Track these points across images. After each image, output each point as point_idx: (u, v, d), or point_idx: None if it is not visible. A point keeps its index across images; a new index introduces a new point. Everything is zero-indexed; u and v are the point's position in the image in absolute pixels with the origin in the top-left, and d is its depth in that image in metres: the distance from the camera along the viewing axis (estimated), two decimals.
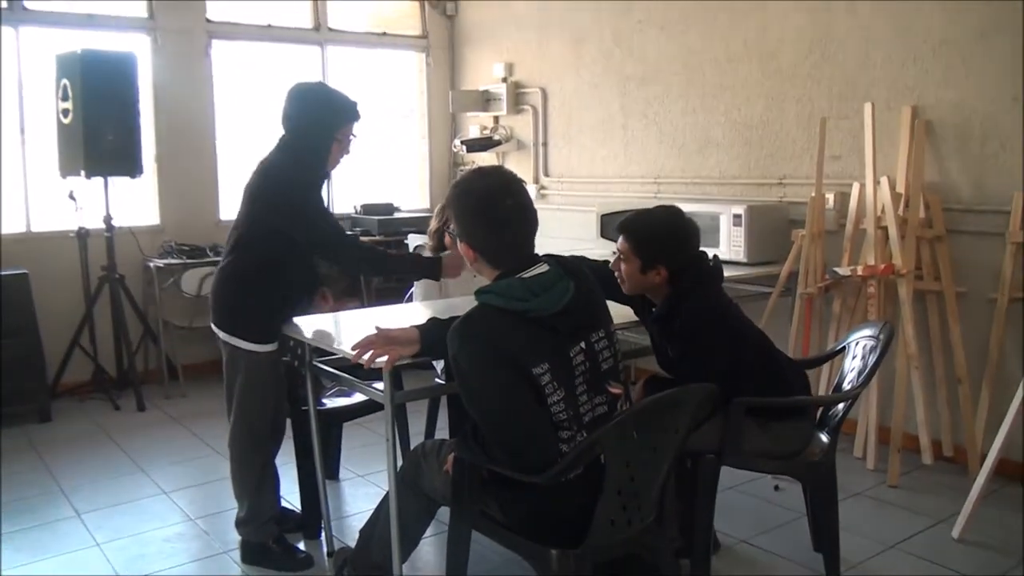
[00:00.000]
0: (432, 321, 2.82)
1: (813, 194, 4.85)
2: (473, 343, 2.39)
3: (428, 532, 3.13)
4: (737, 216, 5.05)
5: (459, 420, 4.16)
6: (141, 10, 6.61)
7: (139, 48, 6.39)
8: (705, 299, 3.17)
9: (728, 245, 5.04)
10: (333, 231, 3.50)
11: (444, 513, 2.90)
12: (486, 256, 2.52)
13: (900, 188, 4.61)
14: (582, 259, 2.90)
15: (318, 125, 3.47)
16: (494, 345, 2.38)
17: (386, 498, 3.01)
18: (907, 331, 4.45)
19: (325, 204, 3.61)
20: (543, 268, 2.49)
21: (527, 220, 2.52)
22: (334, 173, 3.80)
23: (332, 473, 4.57)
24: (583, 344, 2.50)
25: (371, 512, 3.17)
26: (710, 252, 3.34)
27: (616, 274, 3.28)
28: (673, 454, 2.52)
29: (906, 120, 4.62)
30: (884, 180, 4.64)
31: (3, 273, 5.79)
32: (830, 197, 4.98)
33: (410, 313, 4.12)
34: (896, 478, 4.42)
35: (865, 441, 4.72)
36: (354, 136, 3.55)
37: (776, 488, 4.33)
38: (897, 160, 4.66)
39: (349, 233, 3.84)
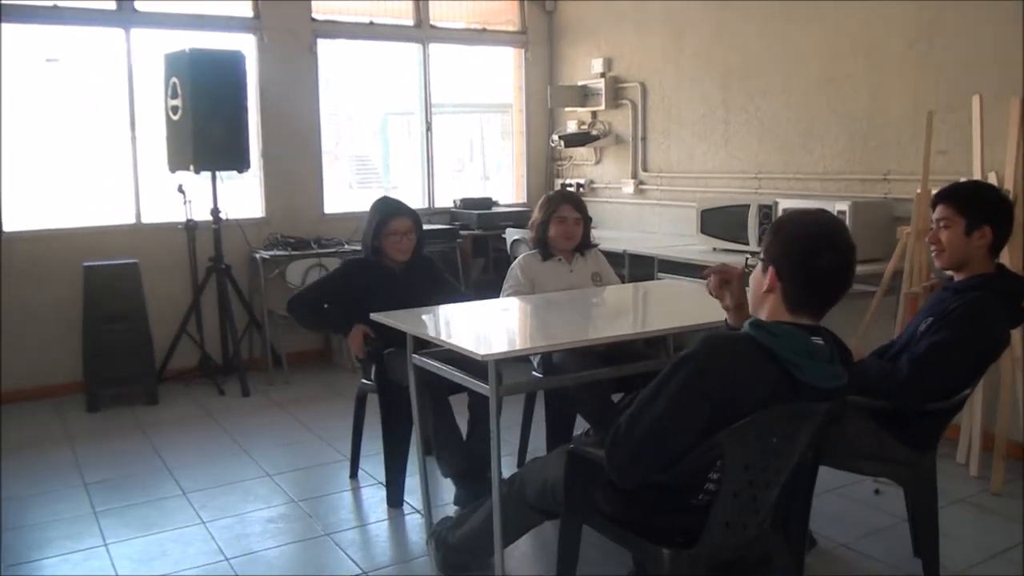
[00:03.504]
0: None
1: (919, 190, 4.73)
2: (712, 361, 2.25)
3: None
4: (841, 212, 4.95)
5: (556, 416, 4.19)
6: (247, 10, 6.79)
7: (245, 46, 6.57)
8: (997, 307, 3.09)
9: (854, 248, 4.95)
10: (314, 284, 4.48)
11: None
12: (786, 292, 2.33)
13: (1008, 184, 4.48)
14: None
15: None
16: (729, 382, 2.24)
17: (490, 502, 3.05)
18: (1012, 333, 4.33)
19: (341, 277, 4.46)
20: (820, 341, 2.34)
21: (845, 282, 2.35)
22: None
23: (428, 448, 4.62)
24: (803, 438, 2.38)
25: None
26: None
27: (932, 249, 3.21)
28: (795, 461, 2.43)
29: (1015, 113, 4.47)
30: (992, 175, 4.52)
31: (114, 262, 6.05)
32: None
33: (507, 306, 4.18)
34: (999, 485, 4.29)
35: (968, 447, 4.59)
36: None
37: (876, 492, 4.25)
38: (1006, 154, 4.53)
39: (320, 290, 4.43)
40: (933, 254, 3.25)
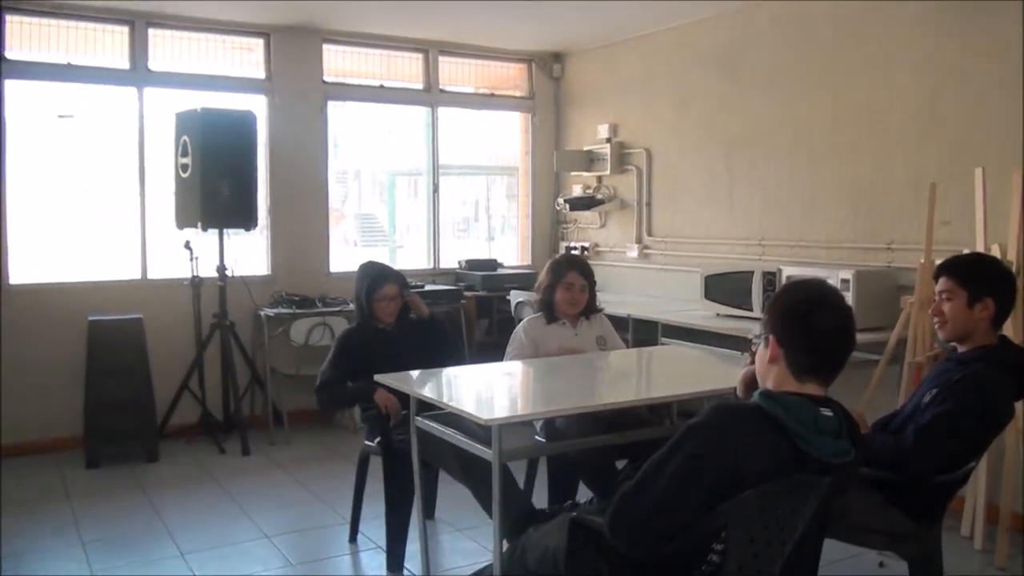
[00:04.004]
0: None
1: (922, 260, 4.75)
2: (721, 431, 2.24)
3: None
4: (845, 281, 4.97)
5: (559, 480, 4.16)
6: (259, 72, 6.90)
7: (256, 106, 6.65)
8: (1001, 379, 3.08)
9: (851, 312, 4.96)
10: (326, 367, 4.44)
11: None
12: (789, 359, 2.34)
13: (1011, 255, 4.49)
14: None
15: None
16: (737, 453, 2.22)
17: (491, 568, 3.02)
18: (1017, 405, 4.31)
19: (343, 349, 4.49)
20: (829, 412, 2.33)
21: (846, 342, 2.37)
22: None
23: (428, 513, 4.62)
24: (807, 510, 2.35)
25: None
26: None
27: (935, 321, 3.25)
28: (799, 533, 2.42)
29: (1017, 185, 4.51)
30: (995, 247, 4.53)
31: (119, 317, 6.06)
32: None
33: (510, 369, 4.18)
34: (1004, 560, 4.24)
35: (973, 519, 4.55)
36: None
37: (881, 565, 4.20)
38: (1009, 226, 4.55)
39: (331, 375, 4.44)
40: (936, 326, 3.27)
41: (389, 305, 4.50)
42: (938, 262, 4.80)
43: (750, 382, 2.64)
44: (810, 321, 2.32)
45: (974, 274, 3.16)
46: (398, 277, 4.62)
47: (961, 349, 3.21)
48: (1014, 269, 4.42)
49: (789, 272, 5.26)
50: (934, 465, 3.01)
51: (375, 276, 4.55)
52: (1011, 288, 3.19)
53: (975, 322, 3.14)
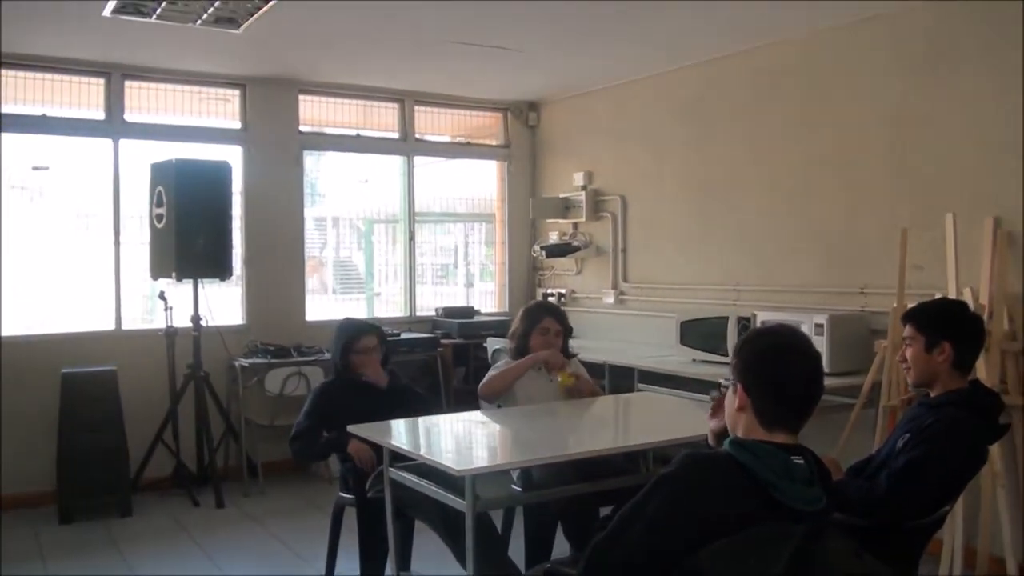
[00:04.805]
0: None
1: (895, 304, 4.79)
2: (692, 482, 2.23)
3: None
4: (819, 325, 5.01)
5: (535, 529, 4.13)
6: (235, 123, 6.92)
7: (232, 157, 6.66)
8: (973, 423, 3.08)
9: (819, 358, 4.98)
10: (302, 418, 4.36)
11: None
12: (757, 408, 2.33)
13: (983, 300, 4.54)
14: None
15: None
16: (708, 502, 2.20)
17: None
18: (992, 448, 4.32)
19: (320, 400, 4.42)
20: (800, 460, 2.30)
21: (814, 390, 2.36)
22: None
23: (404, 564, 4.56)
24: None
25: None
26: None
27: (904, 366, 3.28)
28: None
29: (988, 231, 4.57)
30: (967, 291, 4.58)
31: (92, 369, 6.00)
32: None
33: (485, 419, 4.16)
34: None
35: (951, 562, 4.54)
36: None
37: None
38: (980, 271, 4.60)
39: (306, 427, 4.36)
40: (904, 371, 3.30)
41: (370, 356, 4.43)
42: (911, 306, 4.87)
43: (721, 433, 2.63)
44: (776, 371, 2.32)
45: (930, 320, 3.20)
46: (376, 330, 4.57)
47: (933, 393, 3.23)
48: (986, 313, 4.46)
49: (764, 317, 5.28)
50: (907, 511, 3.01)
51: (352, 329, 4.53)
52: (971, 332, 3.21)
53: (935, 366, 3.16)
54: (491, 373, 4.45)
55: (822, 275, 5.56)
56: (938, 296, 4.48)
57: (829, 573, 3.07)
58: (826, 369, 4.84)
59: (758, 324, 5.22)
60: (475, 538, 3.11)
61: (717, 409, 2.75)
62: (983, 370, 4.35)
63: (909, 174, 5.06)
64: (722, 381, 2.54)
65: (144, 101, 6.58)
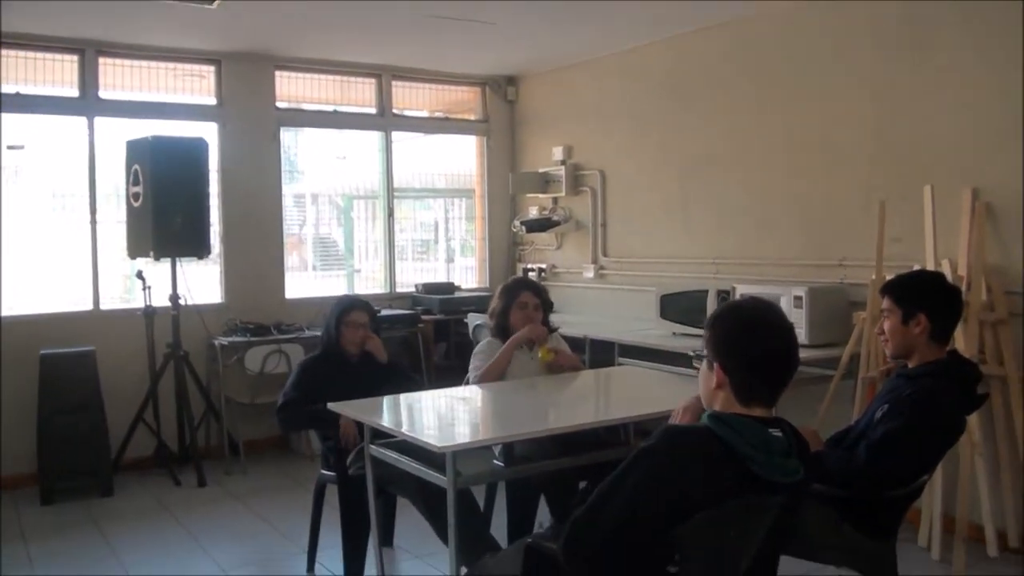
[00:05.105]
0: None
1: (874, 276, 4.81)
2: (671, 455, 2.24)
3: None
4: (798, 298, 5.03)
5: (517, 505, 4.14)
6: (211, 99, 6.86)
7: (208, 134, 6.58)
8: (951, 394, 3.11)
9: (792, 329, 5.00)
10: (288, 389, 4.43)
11: None
12: (735, 385, 2.33)
13: (962, 271, 4.56)
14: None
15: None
16: (688, 476, 2.21)
17: None
18: (970, 417, 4.36)
19: (304, 374, 4.48)
20: (778, 432, 2.32)
21: (790, 363, 2.36)
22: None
23: (387, 540, 4.60)
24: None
25: None
26: None
27: (881, 338, 3.30)
28: (753, 553, 2.42)
29: (966, 202, 4.59)
30: (945, 263, 4.60)
31: (71, 350, 5.95)
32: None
33: (467, 394, 4.16)
34: (962, 569, 4.27)
35: (930, 530, 4.59)
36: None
37: None
38: (958, 243, 4.62)
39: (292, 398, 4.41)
40: (882, 343, 3.32)
41: (356, 332, 4.50)
42: (889, 278, 4.90)
43: (696, 411, 2.65)
44: (753, 347, 2.31)
45: (906, 292, 3.22)
46: (368, 308, 4.66)
47: (911, 364, 3.24)
48: (964, 284, 4.49)
49: (743, 290, 5.30)
50: (886, 481, 3.03)
51: (347, 302, 4.64)
52: (948, 303, 3.22)
53: (912, 338, 3.19)
54: (478, 364, 4.43)
55: (801, 248, 5.57)
56: (916, 268, 4.50)
57: (808, 544, 3.12)
58: (805, 341, 4.95)
59: (737, 297, 5.23)
60: (456, 514, 3.10)
61: (683, 414, 2.80)
62: (961, 340, 4.38)
63: (887, 147, 5.07)
64: (692, 353, 2.55)
65: (119, 78, 6.50)
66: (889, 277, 4.51)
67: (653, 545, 2.26)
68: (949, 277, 4.49)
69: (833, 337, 5.06)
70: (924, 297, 3.19)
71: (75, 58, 6.33)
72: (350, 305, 4.59)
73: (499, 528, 4.32)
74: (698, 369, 2.54)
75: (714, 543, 2.28)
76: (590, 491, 2.43)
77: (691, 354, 2.63)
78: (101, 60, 6.40)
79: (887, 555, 3.21)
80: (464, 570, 3.13)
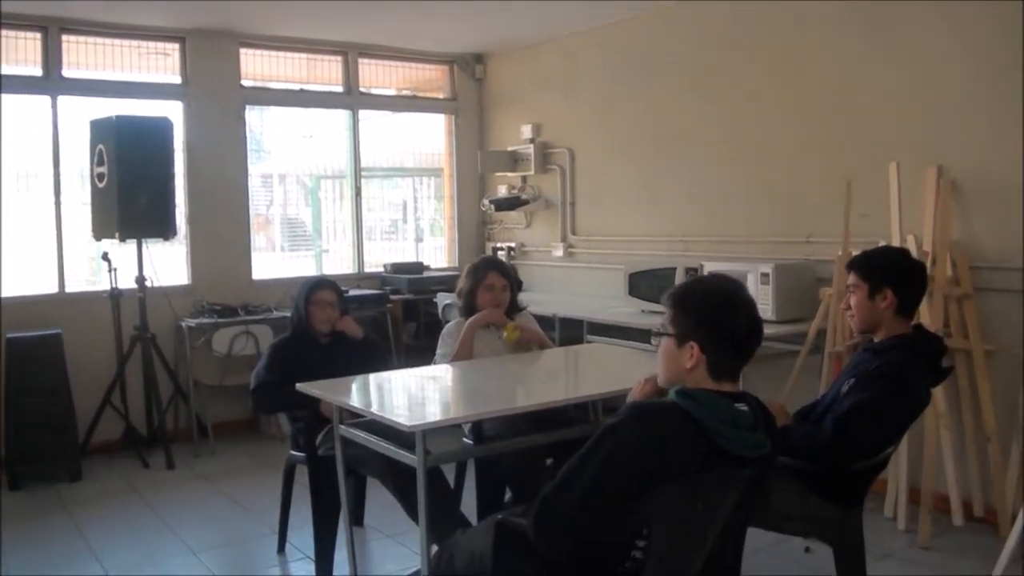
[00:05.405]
0: None
1: (840, 252, 4.85)
2: (639, 430, 2.26)
3: None
4: (765, 275, 5.06)
5: (487, 483, 4.15)
6: (175, 77, 6.78)
7: (172, 113, 6.52)
8: (916, 367, 3.14)
9: (755, 303, 5.04)
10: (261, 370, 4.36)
11: None
12: (711, 362, 2.36)
13: (927, 246, 4.60)
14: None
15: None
16: (655, 450, 2.23)
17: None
18: (935, 390, 4.41)
19: (275, 356, 4.40)
20: (744, 407, 2.36)
21: (759, 339, 2.41)
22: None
23: (357, 520, 4.60)
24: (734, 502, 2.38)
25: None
26: None
27: (848, 313, 3.33)
28: (720, 526, 2.45)
29: (931, 179, 4.62)
30: (911, 238, 4.65)
31: (36, 333, 5.88)
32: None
33: (436, 373, 4.16)
34: (928, 539, 4.35)
35: (896, 501, 4.66)
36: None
37: (807, 550, 4.26)
38: (924, 219, 4.66)
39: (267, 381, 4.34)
40: (849, 318, 3.35)
41: (324, 310, 4.45)
42: (855, 254, 4.93)
43: (655, 383, 2.69)
44: (729, 322, 2.36)
45: (872, 267, 3.26)
46: (336, 287, 4.62)
47: (876, 338, 3.28)
48: (929, 259, 4.53)
49: (711, 267, 5.32)
50: (852, 454, 3.07)
51: (314, 281, 4.61)
52: (912, 278, 3.27)
53: (878, 313, 3.22)
54: (445, 351, 4.43)
55: (768, 225, 5.60)
56: (882, 244, 4.54)
57: (775, 515, 3.15)
58: (772, 317, 4.99)
59: (705, 273, 5.25)
60: (427, 493, 3.11)
61: (645, 384, 2.82)
62: (927, 315, 4.43)
63: (854, 124, 5.10)
64: (654, 329, 2.57)
65: (82, 56, 6.40)
66: (853, 254, 4.56)
67: (622, 519, 2.28)
68: (914, 253, 4.53)
69: (800, 313, 5.11)
70: (890, 272, 3.23)
71: (38, 36, 6.23)
72: (317, 284, 4.56)
73: (469, 506, 4.35)
74: (657, 347, 2.56)
75: (681, 517, 2.31)
76: (558, 468, 2.45)
77: (653, 331, 2.64)
78: (64, 38, 6.31)
79: (853, 525, 3.25)
80: (435, 548, 3.13)
